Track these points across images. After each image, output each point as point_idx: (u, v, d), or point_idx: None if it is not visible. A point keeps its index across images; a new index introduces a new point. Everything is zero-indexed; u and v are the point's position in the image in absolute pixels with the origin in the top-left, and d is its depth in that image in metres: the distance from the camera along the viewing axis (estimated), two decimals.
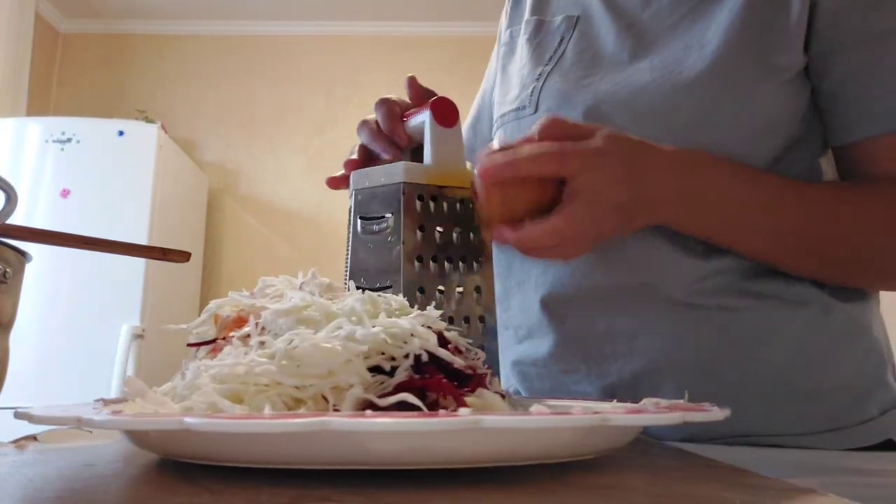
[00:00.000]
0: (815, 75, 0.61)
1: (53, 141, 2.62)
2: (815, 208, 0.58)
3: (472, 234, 0.53)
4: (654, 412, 0.31)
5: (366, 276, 0.52)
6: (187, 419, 0.26)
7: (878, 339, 0.64)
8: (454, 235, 0.52)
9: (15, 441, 0.42)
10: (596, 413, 0.29)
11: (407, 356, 0.34)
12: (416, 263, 0.50)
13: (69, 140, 2.62)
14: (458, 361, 0.36)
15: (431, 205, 0.51)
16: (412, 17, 3.51)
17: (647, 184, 0.53)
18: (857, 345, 0.62)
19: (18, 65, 3.01)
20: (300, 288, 0.46)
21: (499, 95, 0.80)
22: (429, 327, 0.37)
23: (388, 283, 0.49)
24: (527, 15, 0.79)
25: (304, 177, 3.44)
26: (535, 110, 0.70)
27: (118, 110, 3.35)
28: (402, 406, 0.31)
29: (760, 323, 0.60)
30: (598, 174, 0.50)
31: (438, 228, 0.51)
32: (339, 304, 0.39)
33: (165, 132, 2.81)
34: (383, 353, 0.34)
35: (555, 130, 0.51)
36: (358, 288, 0.50)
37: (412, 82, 0.63)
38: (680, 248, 0.60)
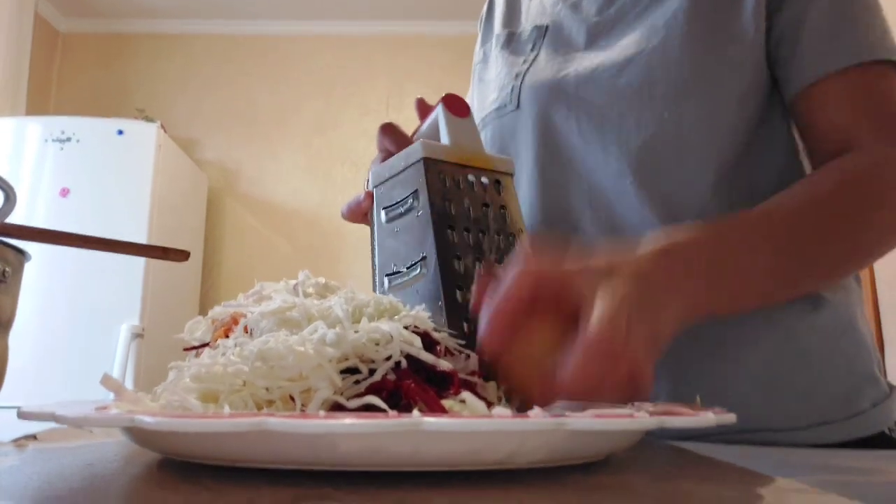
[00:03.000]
0: (767, 41, 0.63)
1: (53, 140, 2.62)
2: (799, 231, 0.54)
3: (503, 210, 0.49)
4: (618, 416, 0.30)
5: (396, 260, 0.48)
6: (138, 417, 0.27)
7: (864, 333, 0.65)
8: (484, 210, 0.48)
9: (15, 440, 0.42)
10: (556, 417, 0.28)
11: (388, 359, 0.34)
12: (450, 231, 0.46)
13: (69, 139, 2.62)
14: (442, 364, 0.35)
15: (456, 178, 0.48)
16: (412, 17, 3.51)
17: (634, 275, 0.42)
18: (845, 339, 0.63)
19: (18, 64, 3.01)
20: (294, 289, 0.46)
21: (478, 104, 0.81)
22: (416, 328, 0.37)
23: (422, 255, 0.46)
24: (497, 30, 0.83)
25: (303, 176, 3.44)
26: (517, 106, 0.71)
27: (118, 109, 3.35)
28: (370, 408, 0.31)
29: (754, 317, 0.60)
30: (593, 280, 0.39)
31: (467, 203, 0.48)
32: (321, 306, 0.39)
33: (165, 131, 2.81)
34: (362, 356, 0.34)
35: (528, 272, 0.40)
36: (389, 275, 0.48)
37: (421, 102, 0.62)
38: None
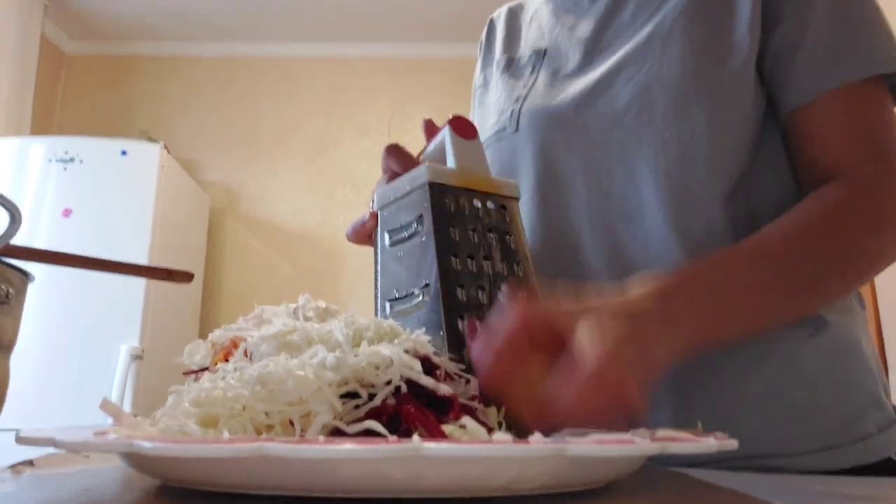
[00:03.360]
0: (760, 59, 0.63)
1: (56, 160, 2.63)
2: (791, 260, 0.55)
3: (507, 237, 0.49)
4: (620, 442, 0.30)
5: (399, 285, 0.47)
6: (137, 442, 0.26)
7: (868, 356, 0.64)
8: (488, 236, 0.48)
9: (11, 466, 0.41)
10: (557, 443, 0.28)
11: (388, 383, 0.34)
12: (454, 259, 0.45)
13: (72, 160, 2.63)
14: (442, 388, 0.35)
15: (461, 203, 0.48)
16: (413, 39, 3.54)
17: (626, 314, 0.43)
18: (848, 361, 0.62)
19: (23, 85, 3.03)
20: (294, 312, 0.46)
21: (479, 128, 0.80)
22: (416, 353, 0.37)
23: (424, 283, 0.45)
24: (497, 55, 0.84)
25: (305, 196, 3.45)
26: (516, 129, 0.72)
27: (121, 130, 3.37)
28: (370, 434, 0.31)
29: (755, 342, 0.59)
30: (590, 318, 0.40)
31: (471, 229, 0.47)
32: (321, 330, 0.39)
33: (168, 152, 2.83)
34: (361, 381, 0.34)
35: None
36: (392, 300, 0.47)
37: (429, 123, 0.61)
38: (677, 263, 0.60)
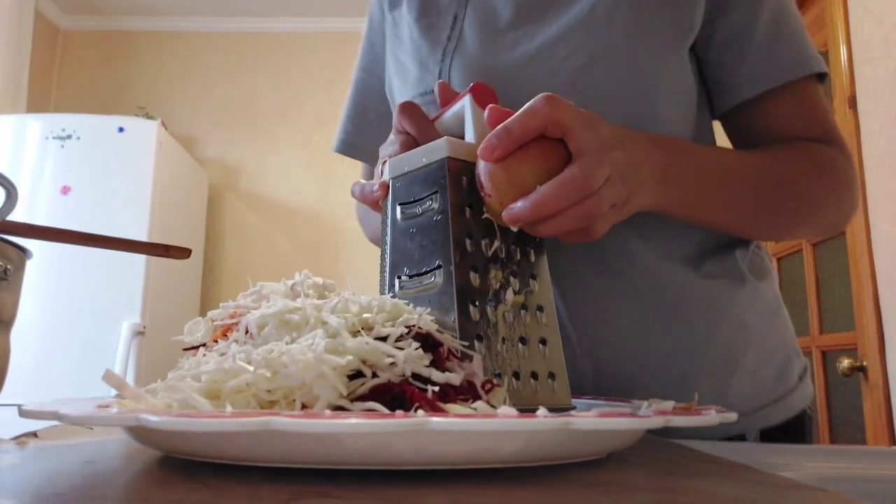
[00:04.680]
0: (699, 42, 0.65)
1: (53, 138, 2.62)
2: (769, 169, 0.61)
3: None
4: (622, 415, 0.31)
5: (409, 263, 0.46)
6: (143, 416, 0.26)
7: (786, 311, 0.71)
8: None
9: (16, 438, 0.42)
10: (561, 416, 0.28)
11: (393, 364, 0.34)
12: (468, 240, 0.44)
13: (69, 137, 2.62)
14: (451, 379, 0.34)
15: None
16: None
17: (636, 152, 0.50)
18: (779, 317, 0.69)
19: (18, 62, 3.01)
20: (292, 288, 0.46)
21: (398, 83, 0.76)
22: (419, 328, 0.37)
23: (437, 264, 0.44)
24: None
25: (304, 173, 3.44)
26: None
27: (118, 107, 3.35)
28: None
29: (711, 304, 0.64)
30: (595, 132, 0.45)
31: (485, 209, 0.46)
32: (327, 314, 0.38)
33: (165, 129, 2.81)
34: (366, 361, 0.34)
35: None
36: (400, 277, 0.46)
37: (443, 87, 0.58)
38: (642, 238, 0.63)
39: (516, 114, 0.44)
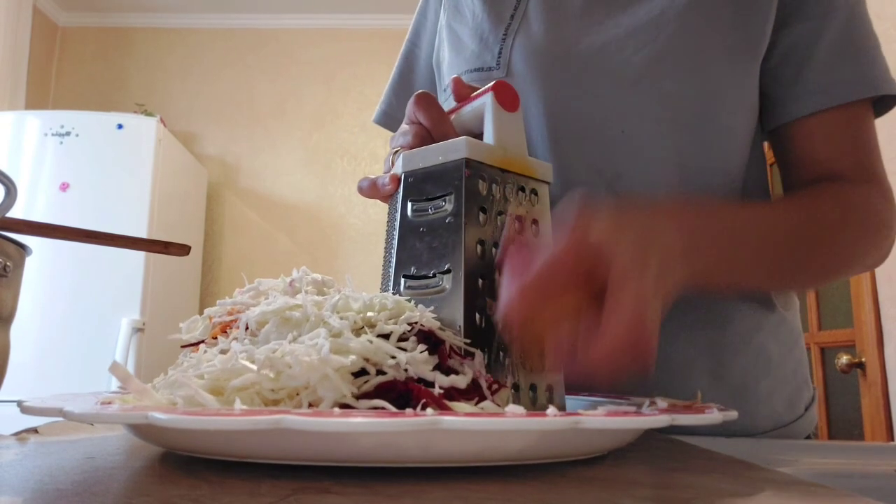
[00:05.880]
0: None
1: (52, 134, 2.61)
2: (803, 226, 0.57)
3: (535, 224, 0.46)
4: (627, 414, 0.31)
5: (417, 263, 0.45)
6: (152, 414, 0.26)
7: (803, 342, 0.71)
8: (516, 225, 0.45)
9: (16, 433, 0.42)
10: (570, 415, 0.28)
11: (396, 365, 0.34)
12: (479, 247, 0.43)
13: (68, 133, 2.62)
14: (456, 381, 0.34)
15: (494, 188, 0.45)
16: (411, 10, 3.49)
17: (665, 250, 0.44)
18: (796, 350, 0.69)
19: (17, 58, 3.00)
20: (290, 285, 0.46)
21: (451, 57, 0.73)
22: (421, 326, 0.37)
23: (446, 267, 0.43)
24: None
25: (303, 170, 3.44)
26: (507, 72, 0.65)
27: (117, 104, 3.35)
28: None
29: (738, 327, 0.64)
30: (622, 247, 0.40)
31: (500, 214, 0.45)
32: (323, 309, 0.38)
33: (164, 126, 2.81)
34: (368, 360, 0.34)
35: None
36: (406, 276, 0.45)
37: (458, 82, 0.54)
38: None
39: (538, 268, 0.38)
